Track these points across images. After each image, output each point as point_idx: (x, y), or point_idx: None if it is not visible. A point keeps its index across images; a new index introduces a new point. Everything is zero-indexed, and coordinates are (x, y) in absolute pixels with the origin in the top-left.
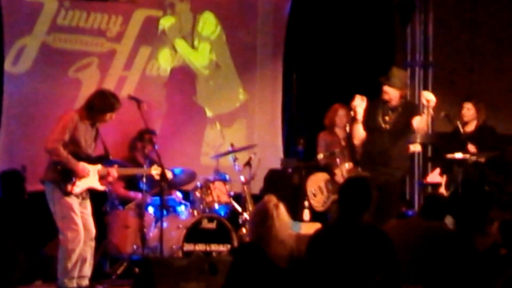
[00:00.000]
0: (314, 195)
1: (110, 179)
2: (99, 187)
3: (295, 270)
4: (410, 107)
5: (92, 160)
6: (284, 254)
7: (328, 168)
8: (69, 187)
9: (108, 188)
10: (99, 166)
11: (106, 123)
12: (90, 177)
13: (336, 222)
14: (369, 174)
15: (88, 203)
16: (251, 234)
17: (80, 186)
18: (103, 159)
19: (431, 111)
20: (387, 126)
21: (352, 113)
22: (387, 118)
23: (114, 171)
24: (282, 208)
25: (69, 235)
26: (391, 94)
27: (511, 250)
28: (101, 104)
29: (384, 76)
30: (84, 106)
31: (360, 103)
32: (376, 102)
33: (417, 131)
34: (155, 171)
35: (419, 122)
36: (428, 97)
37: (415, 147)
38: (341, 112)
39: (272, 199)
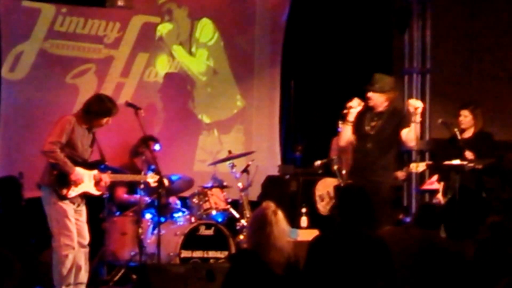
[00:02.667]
0: (322, 199)
1: (102, 184)
2: (95, 192)
3: (291, 278)
4: (398, 115)
5: (88, 165)
6: (281, 261)
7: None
8: (64, 191)
9: (105, 194)
10: (95, 171)
11: (103, 128)
12: (86, 182)
13: (335, 229)
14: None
15: (83, 210)
16: (249, 240)
17: (75, 190)
18: (99, 164)
19: (419, 118)
20: (373, 132)
21: (345, 111)
22: (373, 123)
23: (106, 177)
24: (280, 215)
25: (61, 240)
26: (375, 99)
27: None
28: (98, 108)
29: (368, 83)
30: (81, 110)
31: (355, 105)
32: (365, 109)
33: (405, 142)
34: (151, 178)
35: (407, 134)
36: (416, 104)
37: (416, 167)
38: None
39: (270, 206)
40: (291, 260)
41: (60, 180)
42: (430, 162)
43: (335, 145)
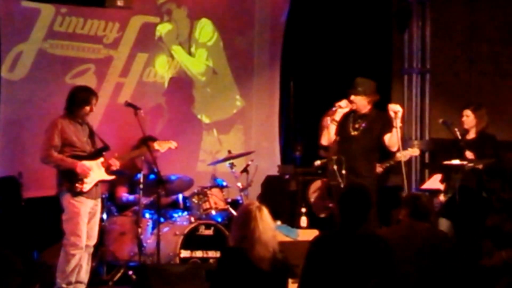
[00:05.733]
0: (316, 201)
1: (113, 169)
2: (108, 177)
3: (278, 273)
4: (382, 119)
5: (93, 155)
6: (267, 256)
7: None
8: (79, 187)
9: (104, 193)
10: (101, 159)
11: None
12: (96, 171)
13: (336, 229)
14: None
15: (99, 207)
16: (234, 236)
17: (89, 182)
18: (103, 151)
19: (399, 122)
20: (356, 133)
21: (333, 109)
22: (356, 125)
23: (114, 161)
24: (265, 211)
25: (71, 239)
26: (358, 102)
27: None
28: (76, 100)
29: (351, 87)
30: (64, 107)
31: (344, 106)
32: (348, 112)
33: (389, 147)
34: (158, 146)
35: (390, 139)
36: (395, 109)
37: (414, 152)
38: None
39: (254, 202)
40: (277, 256)
41: (70, 177)
42: (417, 150)
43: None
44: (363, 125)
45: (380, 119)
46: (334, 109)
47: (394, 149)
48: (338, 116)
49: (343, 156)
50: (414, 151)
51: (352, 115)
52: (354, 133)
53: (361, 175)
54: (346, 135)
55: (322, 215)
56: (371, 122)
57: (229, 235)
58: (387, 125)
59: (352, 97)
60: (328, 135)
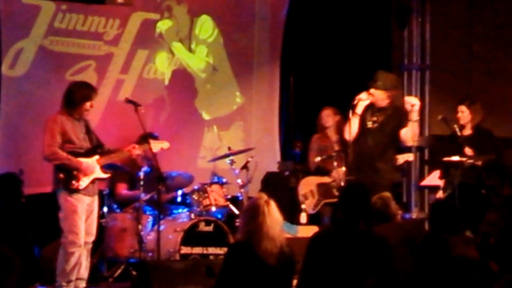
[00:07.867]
0: (306, 198)
1: None
2: (103, 175)
3: (285, 268)
4: (400, 114)
5: (89, 153)
6: (274, 250)
7: (321, 171)
8: (75, 184)
9: (105, 190)
10: (97, 156)
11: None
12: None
13: (335, 226)
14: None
15: (96, 204)
16: (242, 230)
17: (85, 180)
18: (97, 148)
19: (416, 115)
20: (374, 126)
21: (354, 103)
22: (374, 118)
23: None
24: (273, 205)
25: (69, 237)
26: (377, 95)
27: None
28: (77, 96)
29: (371, 80)
30: (62, 104)
31: (364, 98)
32: (368, 105)
33: (404, 141)
34: (155, 147)
35: (406, 133)
36: (412, 101)
37: (408, 156)
38: (325, 112)
39: (263, 196)
40: (284, 250)
41: (67, 175)
42: (411, 155)
43: (316, 144)
44: (381, 119)
45: (397, 113)
46: (354, 102)
47: (408, 143)
48: (359, 109)
49: (360, 149)
50: (409, 156)
51: (369, 109)
52: (372, 126)
53: (377, 169)
54: (363, 128)
55: (311, 212)
56: (388, 116)
57: (238, 229)
58: (404, 120)
59: (372, 91)
60: (350, 129)
